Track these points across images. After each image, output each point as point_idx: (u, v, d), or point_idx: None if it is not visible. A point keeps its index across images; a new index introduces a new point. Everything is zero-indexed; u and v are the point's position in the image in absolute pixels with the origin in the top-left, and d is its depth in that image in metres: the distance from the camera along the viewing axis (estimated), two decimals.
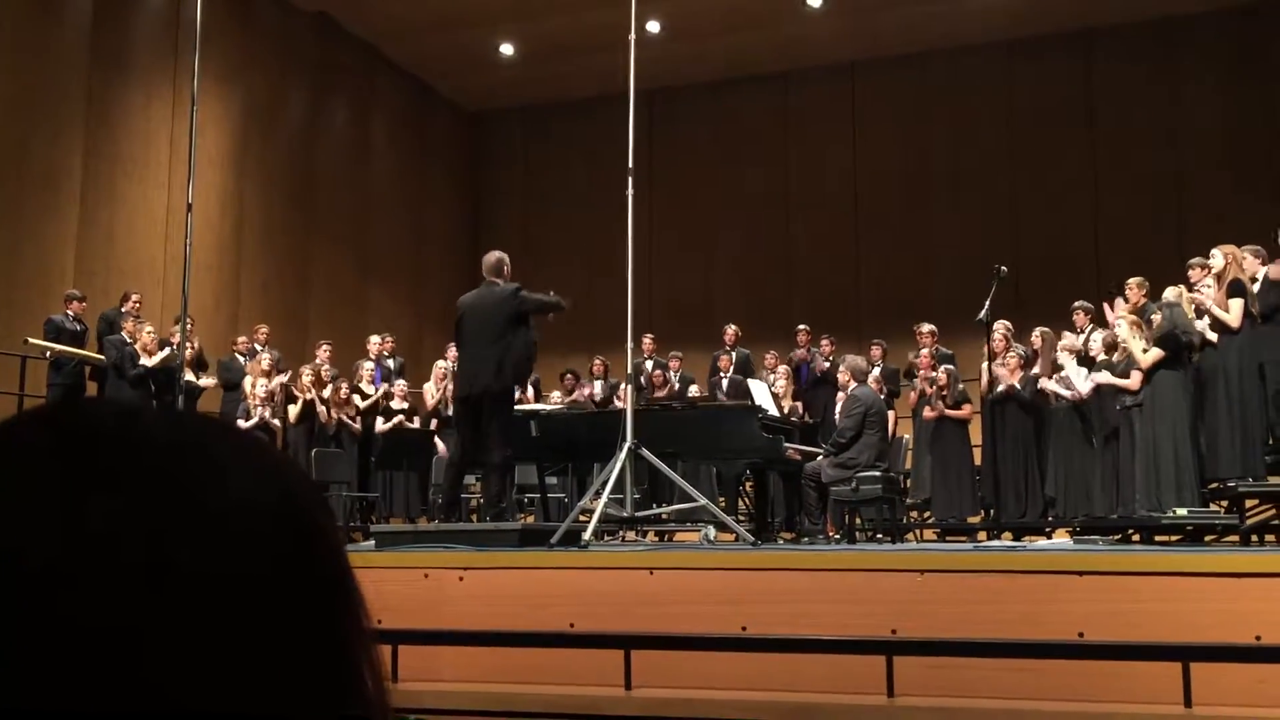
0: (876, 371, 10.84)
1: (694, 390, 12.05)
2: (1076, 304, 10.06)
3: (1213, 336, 7.62)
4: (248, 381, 10.77)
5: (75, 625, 0.42)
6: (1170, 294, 8.34)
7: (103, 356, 10.16)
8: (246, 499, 0.47)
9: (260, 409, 10.50)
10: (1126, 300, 8.97)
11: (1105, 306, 9.73)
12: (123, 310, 10.68)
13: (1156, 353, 7.66)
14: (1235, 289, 7.30)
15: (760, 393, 8.98)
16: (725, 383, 11.71)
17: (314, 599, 0.48)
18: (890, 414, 10.06)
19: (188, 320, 7.52)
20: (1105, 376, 8.27)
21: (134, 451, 0.47)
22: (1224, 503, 7.73)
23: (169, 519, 0.45)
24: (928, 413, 10.07)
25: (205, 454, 0.48)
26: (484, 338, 6.84)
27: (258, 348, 11.41)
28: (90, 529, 0.43)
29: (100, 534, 0.43)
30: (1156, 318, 7.94)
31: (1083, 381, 8.82)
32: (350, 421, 11.18)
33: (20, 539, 0.43)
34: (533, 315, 7.01)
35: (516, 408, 7.50)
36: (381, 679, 0.50)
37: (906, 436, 10.67)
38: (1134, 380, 7.86)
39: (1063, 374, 9.20)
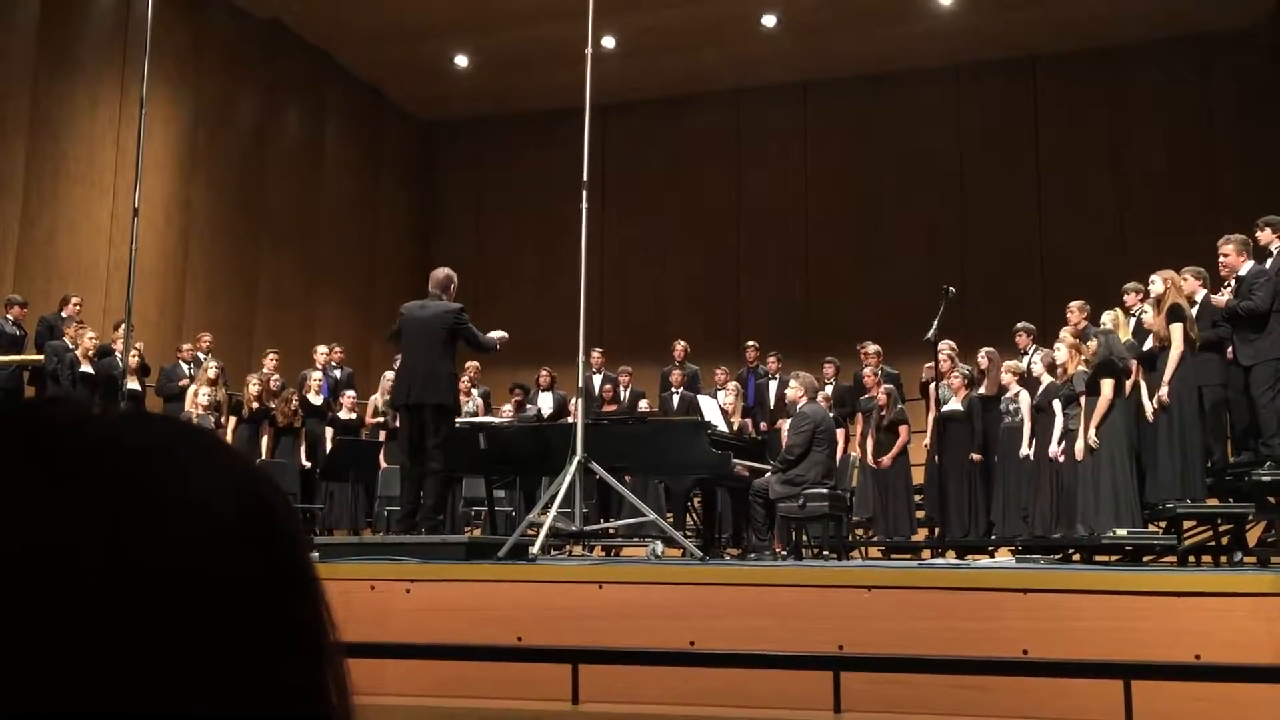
0: (827, 390, 10.91)
1: (643, 405, 12.06)
2: (1018, 326, 10.21)
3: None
4: (190, 390, 10.63)
5: (34, 626, 0.41)
6: (1107, 319, 8.49)
7: (40, 357, 9.97)
8: (211, 499, 0.46)
9: (203, 418, 10.35)
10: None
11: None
12: (63, 315, 10.50)
13: (1109, 386, 7.76)
14: (1175, 314, 7.42)
15: (710, 409, 9.01)
16: (676, 398, 11.74)
17: (277, 602, 0.47)
18: (840, 432, 10.12)
19: (131, 327, 7.41)
20: (1059, 418, 8.39)
21: (97, 450, 0.46)
22: (1163, 524, 7.86)
23: (132, 519, 0.44)
24: (885, 462, 10.00)
25: (170, 454, 0.47)
26: (425, 349, 6.93)
27: (201, 356, 11.26)
28: (51, 528, 0.42)
29: (62, 533, 0.42)
30: (1092, 344, 8.07)
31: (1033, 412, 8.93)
32: (294, 429, 11.06)
33: None
34: (462, 342, 7.07)
35: (466, 420, 7.51)
36: (346, 688, 0.50)
37: (854, 454, 10.75)
38: (1093, 429, 7.91)
39: (1018, 405, 9.26)
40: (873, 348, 11.31)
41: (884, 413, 10.06)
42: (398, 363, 11.32)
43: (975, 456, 9.60)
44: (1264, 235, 7.61)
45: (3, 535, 0.42)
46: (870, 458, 10.15)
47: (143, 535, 0.43)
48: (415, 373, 6.94)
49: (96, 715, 0.41)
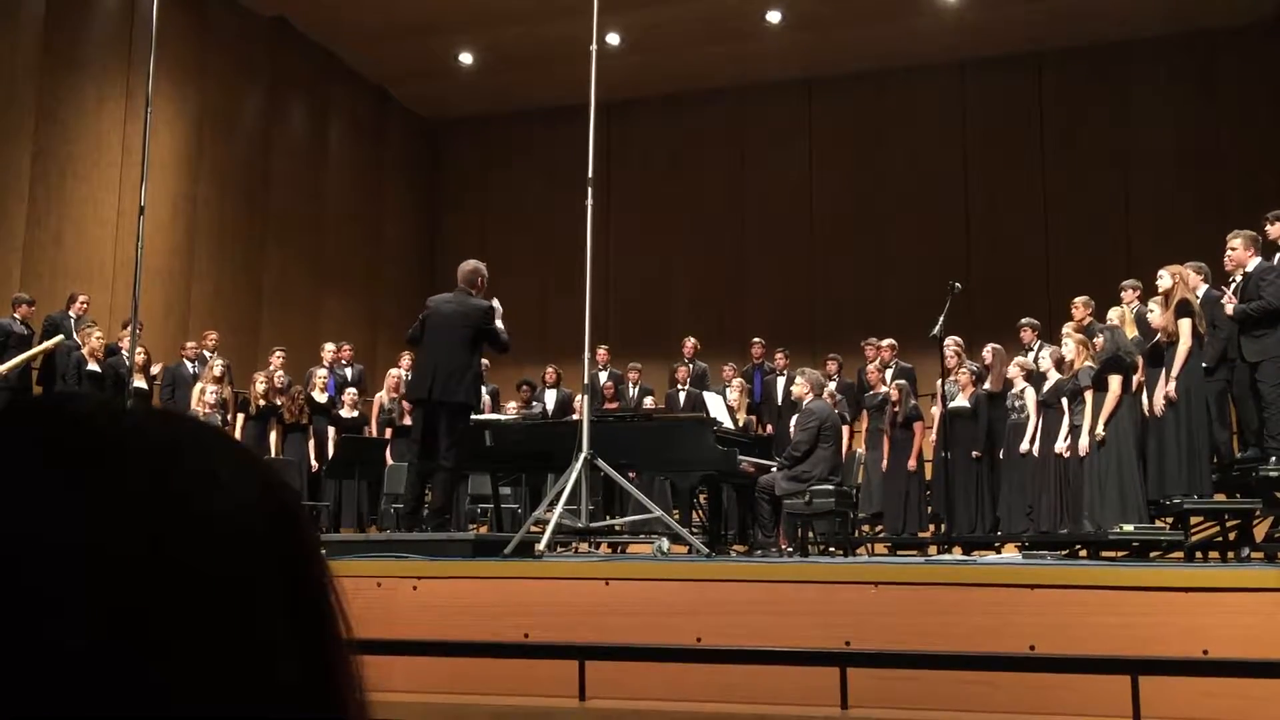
0: (831, 386, 10.91)
1: (649, 402, 12.07)
2: (1023, 320, 10.20)
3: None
4: (196, 388, 10.65)
5: (56, 624, 0.41)
6: (1114, 315, 8.48)
7: (55, 340, 9.97)
8: (233, 499, 0.46)
9: (210, 416, 10.36)
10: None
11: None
12: (70, 313, 10.52)
13: (1116, 383, 7.75)
14: (1184, 309, 7.40)
15: (716, 405, 9.01)
16: (682, 395, 11.74)
17: (296, 600, 0.47)
18: (845, 428, 10.11)
19: (140, 325, 7.42)
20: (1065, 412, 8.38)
21: (126, 447, 0.46)
22: (1170, 519, 7.84)
23: (161, 515, 0.44)
24: (911, 465, 9.99)
25: (193, 452, 0.47)
26: (450, 345, 6.80)
27: (206, 354, 11.28)
28: (76, 526, 0.42)
29: (86, 531, 0.42)
30: (1099, 340, 8.05)
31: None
32: (301, 426, 11.08)
33: (8, 540, 0.42)
34: (486, 342, 7.00)
35: (473, 417, 7.48)
36: (362, 688, 0.50)
37: (860, 450, 10.74)
38: (1100, 425, 7.90)
39: (1024, 401, 9.23)
40: (886, 341, 11.30)
41: (896, 409, 10.04)
42: (405, 359, 11.43)
43: (975, 453, 9.59)
44: (1273, 229, 7.59)
45: (30, 530, 0.42)
46: (884, 456, 10.13)
47: (172, 534, 0.44)
48: (438, 369, 6.77)
49: (117, 716, 0.41)
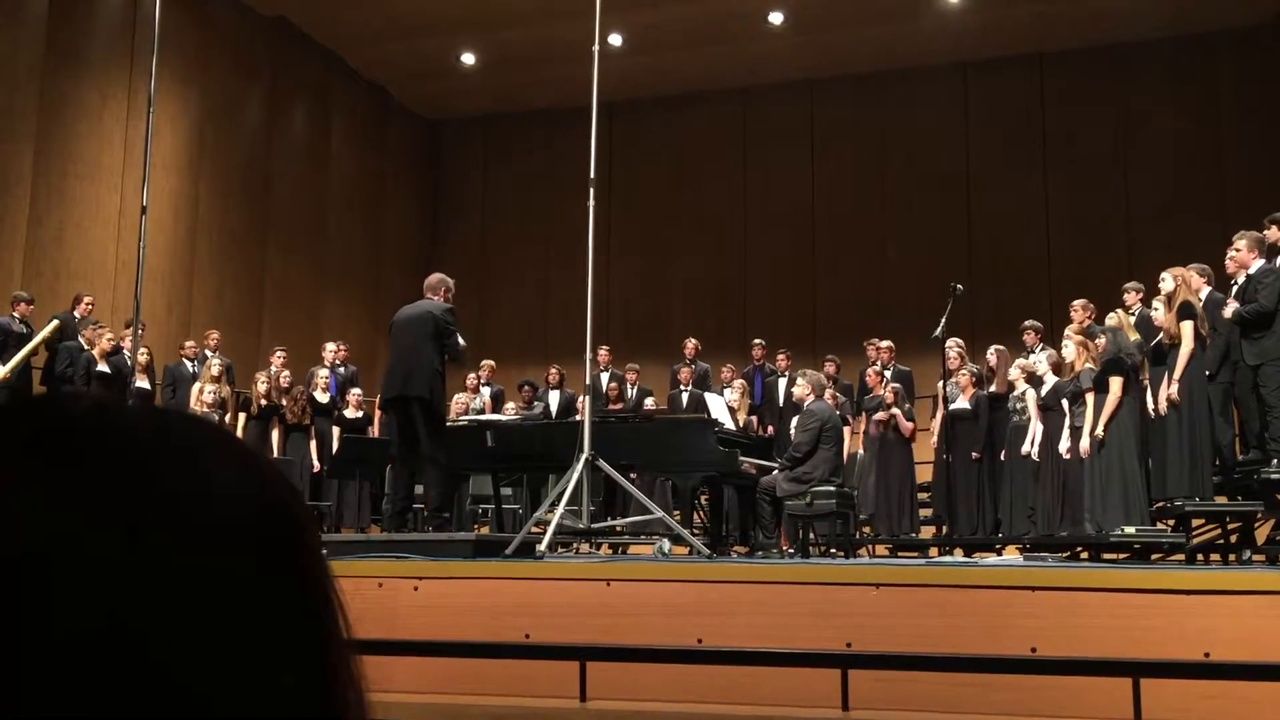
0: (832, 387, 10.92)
1: (650, 403, 12.07)
2: (1026, 323, 10.19)
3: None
4: (195, 387, 10.65)
5: (48, 624, 0.40)
6: (1111, 319, 8.47)
7: (52, 326, 9.95)
8: (230, 497, 0.46)
9: (208, 415, 10.36)
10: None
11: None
12: (75, 314, 10.53)
13: (1117, 384, 7.74)
14: (1186, 311, 7.39)
15: (717, 406, 9.01)
16: (685, 396, 11.74)
17: (295, 599, 0.47)
18: (845, 430, 10.11)
19: (141, 325, 7.43)
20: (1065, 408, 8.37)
21: (115, 446, 0.45)
22: (1171, 522, 7.84)
23: (151, 514, 0.43)
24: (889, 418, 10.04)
25: (190, 451, 0.47)
26: (412, 345, 6.94)
27: (207, 353, 11.28)
28: (70, 524, 0.42)
29: (80, 529, 0.42)
30: (1101, 340, 8.05)
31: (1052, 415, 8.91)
32: (303, 426, 11.08)
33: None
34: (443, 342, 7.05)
35: (474, 418, 7.52)
36: (360, 686, 0.49)
37: (859, 452, 10.74)
38: (1100, 426, 7.90)
39: (1025, 403, 9.22)
40: (885, 343, 11.29)
41: (890, 409, 10.04)
42: None
43: (974, 455, 9.59)
44: (1272, 233, 7.58)
45: (19, 530, 0.42)
46: (874, 458, 10.14)
47: (162, 533, 0.43)
48: (400, 368, 6.93)
49: (112, 717, 0.41)
